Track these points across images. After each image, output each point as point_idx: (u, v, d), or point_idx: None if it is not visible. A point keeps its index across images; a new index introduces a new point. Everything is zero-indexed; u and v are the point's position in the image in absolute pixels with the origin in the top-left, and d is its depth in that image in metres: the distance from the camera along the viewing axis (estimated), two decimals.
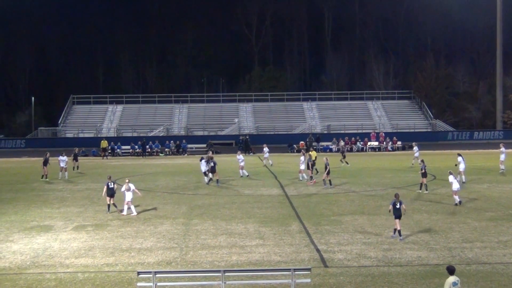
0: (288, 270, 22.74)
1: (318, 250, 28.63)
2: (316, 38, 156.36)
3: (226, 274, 22.59)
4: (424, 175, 45.60)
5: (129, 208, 37.78)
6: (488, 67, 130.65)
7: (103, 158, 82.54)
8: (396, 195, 31.15)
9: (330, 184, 49.32)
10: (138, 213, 37.94)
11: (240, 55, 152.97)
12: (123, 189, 38.04)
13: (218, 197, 44.62)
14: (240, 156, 57.09)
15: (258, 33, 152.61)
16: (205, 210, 39.17)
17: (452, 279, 19.31)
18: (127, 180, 38.51)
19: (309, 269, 22.75)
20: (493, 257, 27.28)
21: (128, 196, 37.64)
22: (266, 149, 65.56)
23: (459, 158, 50.60)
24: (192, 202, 42.48)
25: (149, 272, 22.31)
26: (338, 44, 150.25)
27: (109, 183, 38.94)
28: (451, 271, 19.59)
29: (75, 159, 64.36)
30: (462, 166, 49.95)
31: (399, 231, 30.71)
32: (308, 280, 22.68)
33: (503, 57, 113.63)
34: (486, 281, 23.81)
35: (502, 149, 58.17)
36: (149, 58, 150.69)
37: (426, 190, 45.35)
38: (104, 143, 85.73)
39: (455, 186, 39.53)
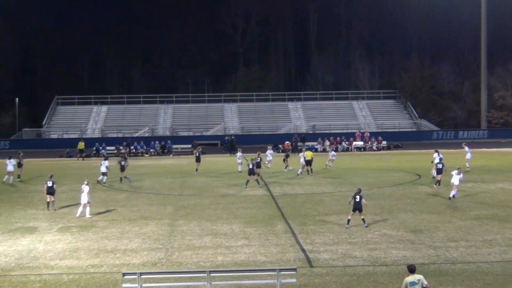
0: (274, 270, 22.73)
1: (303, 250, 28.62)
2: (301, 38, 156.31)
3: (211, 274, 22.56)
4: (440, 171, 47.02)
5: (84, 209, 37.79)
6: (472, 66, 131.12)
7: (78, 159, 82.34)
8: (358, 190, 33.24)
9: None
10: (123, 214, 37.87)
11: (225, 56, 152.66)
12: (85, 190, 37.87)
13: (203, 198, 44.58)
14: (270, 152, 57.88)
15: (243, 33, 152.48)
16: (190, 211, 39.12)
17: (410, 278, 19.14)
18: (85, 182, 38.49)
19: (294, 269, 22.76)
20: (478, 256, 27.35)
21: (84, 198, 37.58)
22: (270, 151, 64.14)
23: (435, 155, 51.38)
24: (177, 203, 42.42)
25: (134, 273, 22.23)
26: (323, 44, 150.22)
27: (48, 182, 39.56)
28: (411, 270, 19.42)
29: (19, 165, 58.90)
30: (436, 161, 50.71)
31: (363, 220, 33.19)
32: (294, 280, 22.69)
33: (487, 57, 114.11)
34: (471, 280, 23.86)
35: (466, 148, 59.01)
36: (134, 59, 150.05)
37: (439, 185, 46.91)
38: (81, 145, 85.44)
39: (454, 180, 41.31)
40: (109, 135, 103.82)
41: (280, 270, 22.55)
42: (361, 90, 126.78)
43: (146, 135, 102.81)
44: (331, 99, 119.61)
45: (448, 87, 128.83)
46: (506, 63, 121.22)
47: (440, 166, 47.89)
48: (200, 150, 63.20)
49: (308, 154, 57.45)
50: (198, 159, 60.63)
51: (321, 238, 30.93)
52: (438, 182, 47.31)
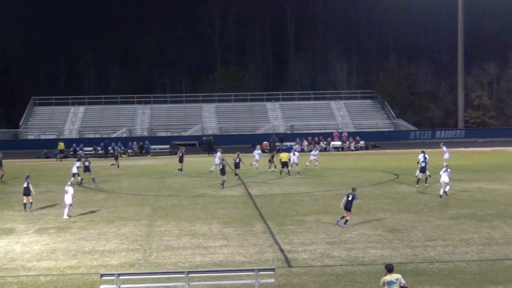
0: (252, 270, 22.70)
1: (282, 250, 28.64)
2: (279, 39, 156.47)
3: (190, 275, 22.52)
4: (423, 170, 47.77)
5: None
6: (449, 66, 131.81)
7: (58, 160, 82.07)
8: (353, 189, 33.43)
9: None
10: (100, 215, 37.73)
11: (203, 56, 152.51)
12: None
13: (182, 198, 44.50)
14: (258, 152, 57.52)
15: (221, 33, 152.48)
16: (168, 211, 39.04)
17: (388, 278, 19.13)
18: (69, 183, 38.36)
19: (273, 269, 22.76)
20: (456, 255, 27.48)
21: (68, 199, 37.47)
22: (258, 151, 64.60)
23: (420, 156, 51.56)
24: (155, 204, 42.32)
25: (112, 274, 22.13)
26: (301, 44, 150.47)
27: (24, 183, 39.51)
28: (389, 269, 19.40)
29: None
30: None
31: (346, 220, 33.09)
32: (272, 280, 22.68)
33: (464, 57, 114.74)
34: (449, 279, 23.96)
35: (444, 148, 59.47)
36: (111, 59, 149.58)
37: (426, 183, 48.00)
38: (61, 145, 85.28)
39: (444, 178, 42.20)
40: (87, 136, 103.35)
41: (259, 270, 22.52)
42: (338, 90, 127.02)
43: (124, 135, 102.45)
44: (309, 99, 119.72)
45: (425, 87, 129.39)
46: (483, 63, 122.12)
47: (423, 164, 48.23)
48: (183, 150, 63.17)
49: (284, 156, 57.43)
50: (181, 159, 60.46)
51: (300, 238, 30.95)
52: (418, 180, 47.82)
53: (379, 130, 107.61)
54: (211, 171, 60.12)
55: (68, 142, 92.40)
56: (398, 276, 19.23)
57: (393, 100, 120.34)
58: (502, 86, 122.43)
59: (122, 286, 21.96)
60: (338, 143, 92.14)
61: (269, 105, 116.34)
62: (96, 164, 75.18)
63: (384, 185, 49.79)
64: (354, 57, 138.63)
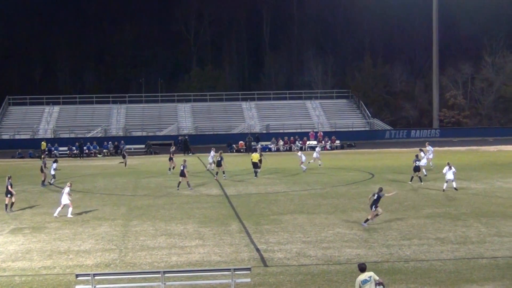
0: (228, 270, 22.74)
1: (258, 250, 28.67)
2: (254, 38, 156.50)
3: (165, 275, 22.51)
4: (416, 169, 48.49)
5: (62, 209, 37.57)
6: (424, 66, 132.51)
7: (42, 159, 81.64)
8: (380, 189, 33.60)
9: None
10: (76, 214, 37.54)
11: (179, 55, 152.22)
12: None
13: (157, 198, 44.40)
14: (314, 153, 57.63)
15: (196, 33, 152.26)
16: (144, 211, 38.94)
17: (362, 277, 19.19)
18: (68, 184, 38.35)
19: (249, 269, 22.78)
20: (431, 254, 27.64)
21: (64, 199, 37.33)
22: (212, 153, 63.50)
23: (422, 154, 52.99)
24: (131, 203, 42.21)
25: (88, 275, 22.07)
26: (277, 44, 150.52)
27: (7, 184, 39.32)
28: (361, 268, 19.46)
29: None
30: (424, 161, 52.65)
31: (367, 220, 33.56)
32: (248, 280, 22.73)
33: (439, 57, 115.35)
34: (424, 278, 24.08)
35: (429, 147, 59.92)
36: (86, 58, 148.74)
37: (420, 181, 48.69)
38: (43, 145, 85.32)
39: (448, 176, 43.98)
40: (62, 136, 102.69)
41: (235, 269, 22.56)
42: (314, 90, 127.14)
43: (99, 135, 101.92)
44: (284, 98, 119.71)
45: (400, 86, 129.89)
46: (457, 62, 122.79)
47: (418, 163, 48.97)
48: (173, 150, 63.93)
49: (255, 157, 57.35)
50: (170, 158, 60.90)
51: (275, 238, 30.99)
52: (412, 178, 48.72)
53: (354, 129, 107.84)
54: (207, 170, 60.11)
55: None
56: (371, 273, 19.30)
57: (368, 100, 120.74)
58: (476, 85, 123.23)
59: (97, 286, 21.89)
60: (314, 142, 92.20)
61: (244, 104, 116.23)
62: (71, 164, 75.04)
63: (360, 185, 49.94)
64: (329, 57, 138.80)
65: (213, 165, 58.66)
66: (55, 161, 56.51)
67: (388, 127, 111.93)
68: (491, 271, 25.09)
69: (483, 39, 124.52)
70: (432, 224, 33.58)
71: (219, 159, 54.04)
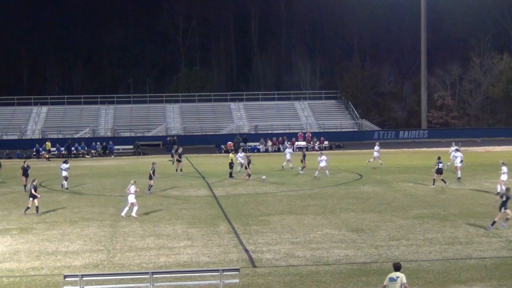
0: (217, 271, 22.74)
1: (246, 251, 28.67)
2: (243, 39, 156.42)
3: (154, 276, 22.48)
4: (439, 171, 47.76)
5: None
6: (412, 67, 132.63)
7: (47, 159, 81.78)
8: (507, 189, 33.07)
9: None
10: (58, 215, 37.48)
11: (167, 56, 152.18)
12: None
13: (146, 199, 44.27)
14: (323, 157, 56.43)
15: (185, 33, 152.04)
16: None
17: (392, 274, 19.61)
18: (132, 181, 38.34)
19: (237, 270, 22.80)
20: (419, 255, 27.71)
21: (131, 198, 37.36)
22: (242, 154, 61.85)
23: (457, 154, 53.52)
24: (119, 204, 42.01)
25: (76, 275, 22.03)
26: (265, 44, 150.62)
27: (31, 187, 38.98)
28: (396, 267, 19.92)
29: None
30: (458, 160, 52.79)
31: (507, 219, 32.74)
32: (237, 281, 22.72)
33: (427, 58, 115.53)
34: (413, 278, 24.09)
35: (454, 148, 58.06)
36: (74, 59, 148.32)
37: (445, 183, 48.10)
38: (48, 145, 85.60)
39: (504, 177, 43.76)
40: (50, 136, 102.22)
41: (223, 270, 22.57)
42: (302, 90, 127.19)
43: (87, 136, 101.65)
44: (273, 99, 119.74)
45: (388, 87, 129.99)
46: (445, 63, 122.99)
47: (440, 165, 48.30)
48: (181, 151, 62.90)
49: (230, 156, 57.28)
50: (178, 159, 60.75)
51: (264, 238, 31.00)
52: (434, 181, 48.18)
53: (343, 130, 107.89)
54: (237, 172, 59.19)
55: (31, 142, 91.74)
56: (401, 275, 19.61)
57: (356, 101, 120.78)
58: (464, 86, 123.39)
59: (85, 287, 21.84)
60: (302, 143, 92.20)
61: (233, 105, 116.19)
62: (56, 165, 74.62)
63: (348, 185, 49.99)
64: (318, 58, 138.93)
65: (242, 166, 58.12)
66: (65, 162, 52.73)
67: (377, 128, 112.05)
68: (479, 272, 25.19)
69: (471, 40, 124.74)
70: (421, 225, 33.65)
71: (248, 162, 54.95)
